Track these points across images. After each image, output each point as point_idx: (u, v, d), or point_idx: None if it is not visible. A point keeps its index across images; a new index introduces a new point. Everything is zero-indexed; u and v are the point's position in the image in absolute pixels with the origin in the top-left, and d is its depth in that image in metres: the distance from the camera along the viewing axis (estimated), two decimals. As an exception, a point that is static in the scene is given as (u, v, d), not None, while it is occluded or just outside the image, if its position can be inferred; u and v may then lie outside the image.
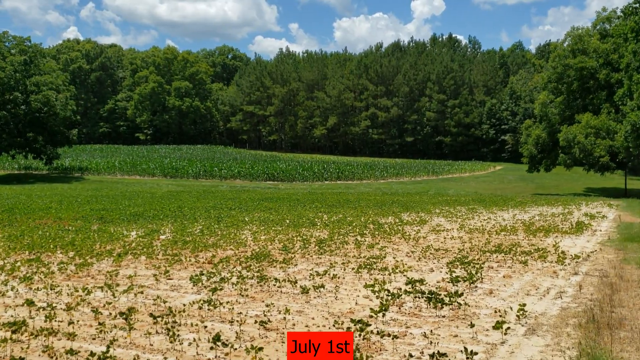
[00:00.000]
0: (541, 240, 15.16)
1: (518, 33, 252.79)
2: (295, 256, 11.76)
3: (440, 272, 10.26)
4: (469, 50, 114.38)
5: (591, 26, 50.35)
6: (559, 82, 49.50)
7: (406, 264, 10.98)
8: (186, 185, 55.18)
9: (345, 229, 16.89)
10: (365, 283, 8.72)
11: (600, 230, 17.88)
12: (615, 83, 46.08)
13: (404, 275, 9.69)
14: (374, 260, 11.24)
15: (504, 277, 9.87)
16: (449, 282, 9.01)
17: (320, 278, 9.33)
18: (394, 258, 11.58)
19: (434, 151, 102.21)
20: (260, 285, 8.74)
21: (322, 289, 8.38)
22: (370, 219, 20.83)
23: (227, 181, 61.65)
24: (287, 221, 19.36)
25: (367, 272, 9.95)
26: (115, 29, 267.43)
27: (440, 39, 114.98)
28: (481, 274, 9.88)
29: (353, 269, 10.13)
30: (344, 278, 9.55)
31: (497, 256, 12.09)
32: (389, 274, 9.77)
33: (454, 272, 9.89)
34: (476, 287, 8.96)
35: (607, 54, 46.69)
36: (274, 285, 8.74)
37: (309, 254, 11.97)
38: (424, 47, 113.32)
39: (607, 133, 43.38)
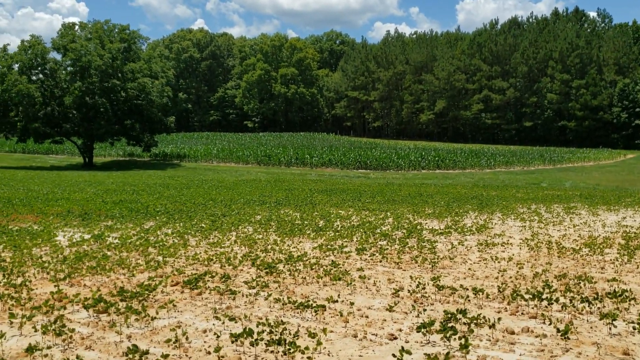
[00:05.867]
0: (639, 266, 9.78)
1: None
2: (203, 291, 7.63)
3: (407, 342, 5.69)
4: (597, 24, 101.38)
5: None
6: None
7: (362, 317, 6.49)
8: (274, 173, 52.61)
9: (355, 238, 12.42)
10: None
11: None
12: None
13: (321, 353, 5.26)
14: (310, 307, 6.75)
15: (509, 366, 5.12)
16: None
17: None
18: (352, 304, 7.04)
19: (556, 137, 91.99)
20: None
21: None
22: (416, 222, 16.10)
23: (318, 169, 58.41)
24: (297, 222, 15.23)
25: (262, 349, 5.55)
26: (239, 20, 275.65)
27: (564, 14, 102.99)
28: (465, 355, 5.22)
29: (229, 333, 5.75)
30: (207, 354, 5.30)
31: (534, 306, 7.15)
32: (291, 354, 5.32)
33: (418, 350, 5.31)
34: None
35: None
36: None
37: (217, 288, 7.77)
38: (545, 22, 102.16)
39: None
